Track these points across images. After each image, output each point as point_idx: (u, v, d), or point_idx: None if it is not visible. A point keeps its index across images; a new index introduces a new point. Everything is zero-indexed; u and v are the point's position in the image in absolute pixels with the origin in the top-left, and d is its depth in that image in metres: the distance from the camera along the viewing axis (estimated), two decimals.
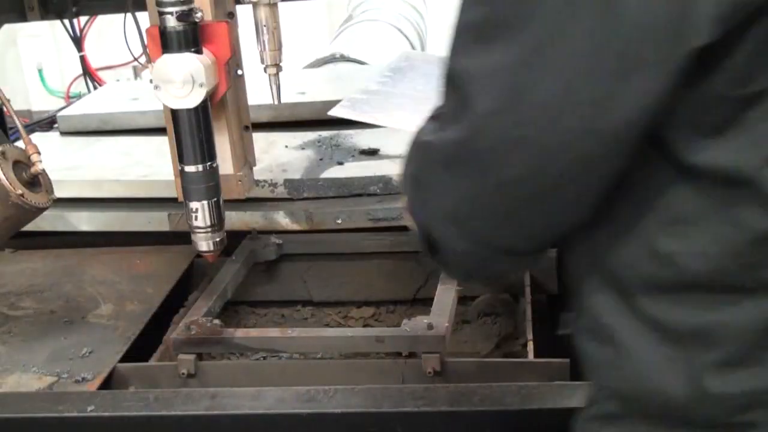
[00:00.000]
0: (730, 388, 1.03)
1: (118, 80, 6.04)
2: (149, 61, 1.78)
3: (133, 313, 2.09)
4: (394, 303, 2.28)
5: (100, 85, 6.12)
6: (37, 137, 2.55)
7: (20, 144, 1.90)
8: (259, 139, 2.56)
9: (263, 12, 1.94)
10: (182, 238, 2.11)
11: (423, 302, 1.89)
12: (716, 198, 0.99)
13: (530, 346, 1.87)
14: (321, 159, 2.50)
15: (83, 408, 1.61)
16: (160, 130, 2.33)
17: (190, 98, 1.74)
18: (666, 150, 0.99)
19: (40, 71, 6.70)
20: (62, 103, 6.10)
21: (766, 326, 1.02)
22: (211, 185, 1.83)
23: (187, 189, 1.83)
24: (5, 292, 2.24)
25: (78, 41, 6.44)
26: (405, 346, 1.77)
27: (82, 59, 6.51)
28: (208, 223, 1.84)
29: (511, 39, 0.93)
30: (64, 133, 2.88)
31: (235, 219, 2.26)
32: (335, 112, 2.15)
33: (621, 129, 0.94)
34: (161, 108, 1.85)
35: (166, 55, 1.73)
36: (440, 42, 2.19)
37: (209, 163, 1.81)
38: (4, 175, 1.79)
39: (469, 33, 0.98)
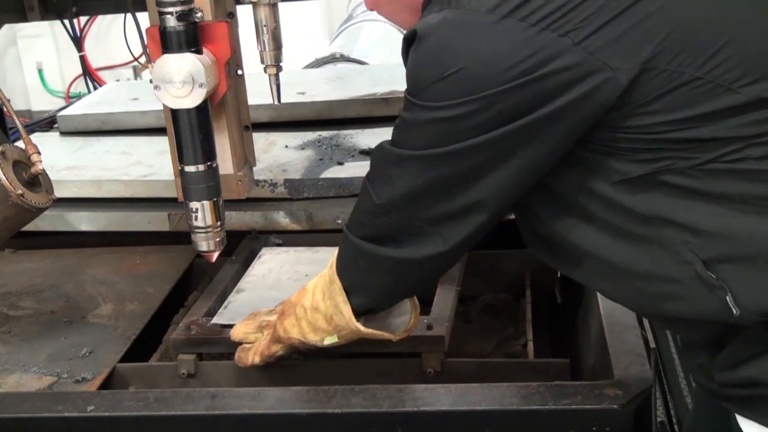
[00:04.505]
0: None
1: (118, 80, 6.05)
2: (149, 61, 1.78)
3: (133, 313, 2.09)
4: None
5: (100, 85, 6.14)
6: (37, 137, 2.55)
7: (20, 144, 1.90)
8: (259, 139, 2.56)
9: (263, 12, 1.95)
10: (182, 238, 2.11)
11: (423, 302, 1.87)
12: None
13: (530, 346, 1.87)
14: (321, 159, 2.50)
15: (83, 408, 1.61)
16: (160, 130, 2.34)
17: (190, 98, 1.74)
18: None
19: (40, 71, 6.70)
20: (62, 103, 6.11)
21: None
22: (211, 185, 1.82)
23: (187, 189, 1.82)
24: (5, 292, 2.24)
25: (78, 41, 6.48)
26: (405, 346, 1.76)
27: (82, 59, 6.54)
28: (208, 223, 1.84)
29: None
30: (64, 133, 2.88)
31: (235, 219, 2.26)
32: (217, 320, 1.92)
33: None
34: (161, 108, 1.85)
35: (166, 55, 1.73)
36: None
37: (209, 163, 1.81)
38: (4, 175, 1.79)
39: None
